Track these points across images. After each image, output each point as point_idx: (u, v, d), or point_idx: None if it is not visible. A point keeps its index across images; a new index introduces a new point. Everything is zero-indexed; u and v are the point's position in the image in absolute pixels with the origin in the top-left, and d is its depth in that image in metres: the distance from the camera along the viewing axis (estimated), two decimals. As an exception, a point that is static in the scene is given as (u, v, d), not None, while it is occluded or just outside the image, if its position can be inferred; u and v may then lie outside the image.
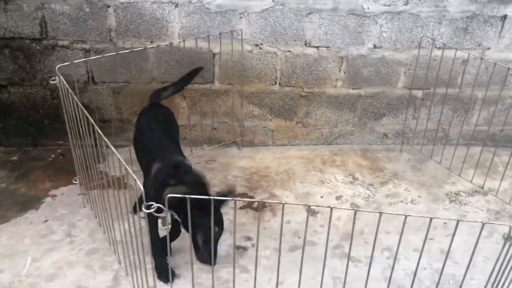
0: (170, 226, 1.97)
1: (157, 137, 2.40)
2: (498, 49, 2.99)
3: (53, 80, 2.31)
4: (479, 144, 3.33)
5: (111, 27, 2.80)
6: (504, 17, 2.89)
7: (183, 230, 2.23)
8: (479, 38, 2.95)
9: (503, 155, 3.17)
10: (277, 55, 2.94)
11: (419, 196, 2.85)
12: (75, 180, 2.71)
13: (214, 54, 2.91)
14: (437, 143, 3.27)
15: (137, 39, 2.84)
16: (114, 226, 2.41)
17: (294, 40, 2.90)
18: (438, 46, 2.91)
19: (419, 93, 3.13)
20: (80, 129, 2.21)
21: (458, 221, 1.46)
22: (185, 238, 2.43)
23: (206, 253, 2.11)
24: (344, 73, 3.03)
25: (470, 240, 1.67)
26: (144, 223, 1.90)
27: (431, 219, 1.55)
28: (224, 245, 2.45)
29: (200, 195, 1.66)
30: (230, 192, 2.38)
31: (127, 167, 1.73)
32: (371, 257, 1.67)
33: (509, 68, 2.52)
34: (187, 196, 1.54)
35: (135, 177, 1.66)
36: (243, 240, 2.48)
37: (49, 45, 2.84)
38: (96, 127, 1.85)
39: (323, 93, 3.10)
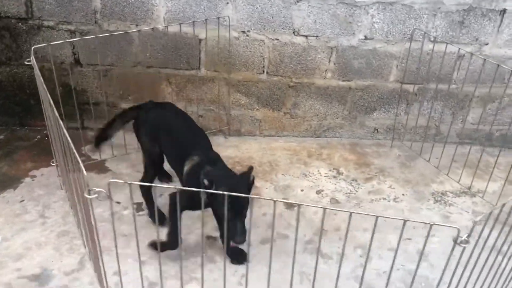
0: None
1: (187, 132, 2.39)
2: (496, 45, 2.86)
3: (28, 61, 2.29)
4: (474, 143, 3.22)
5: (96, 9, 2.77)
6: (503, 11, 2.75)
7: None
8: (476, 33, 2.82)
9: (499, 156, 3.05)
10: (264, 43, 2.86)
11: (403, 194, 2.76)
12: (53, 162, 2.72)
13: (200, 40, 2.85)
14: (430, 140, 3.16)
15: (122, 22, 2.80)
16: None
17: (282, 28, 2.82)
18: (431, 39, 2.79)
19: (411, 88, 3.02)
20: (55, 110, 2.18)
21: (405, 221, 1.38)
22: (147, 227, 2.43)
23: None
24: (334, 64, 2.94)
25: (449, 243, 1.60)
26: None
27: (404, 221, 1.48)
28: (194, 234, 2.42)
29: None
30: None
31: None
32: (342, 255, 1.61)
33: (498, 65, 2.39)
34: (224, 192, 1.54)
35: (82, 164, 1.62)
36: (215, 230, 2.44)
37: (35, 25, 2.82)
38: (54, 110, 1.81)
39: (312, 84, 3.01)
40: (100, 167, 2.89)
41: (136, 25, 2.80)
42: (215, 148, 2.96)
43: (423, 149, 3.08)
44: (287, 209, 2.58)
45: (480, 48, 2.87)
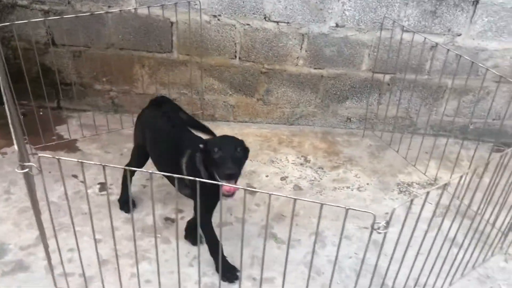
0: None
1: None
2: (469, 36, 2.82)
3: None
4: (449, 135, 3.19)
5: (69, -11, 2.79)
6: (476, 1, 2.70)
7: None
8: (449, 23, 2.79)
9: (472, 148, 3.02)
10: (235, 28, 2.86)
11: (367, 184, 2.76)
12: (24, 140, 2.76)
13: (171, 23, 2.86)
14: (404, 131, 3.14)
15: (94, 3, 2.82)
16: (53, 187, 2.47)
17: (253, 13, 2.81)
18: (403, 29, 2.75)
19: (385, 78, 2.99)
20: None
21: (322, 204, 1.39)
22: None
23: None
24: (306, 51, 2.92)
25: (406, 233, 1.62)
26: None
27: (322, 205, 1.48)
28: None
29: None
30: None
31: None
32: (289, 240, 1.62)
33: (472, 62, 2.35)
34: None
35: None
36: (173, 213, 2.47)
37: (9, 4, 2.85)
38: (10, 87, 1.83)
39: (284, 71, 3.01)
40: (70, 147, 2.93)
41: (108, 6, 2.82)
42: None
43: (395, 140, 3.06)
44: (248, 194, 2.60)
45: (453, 39, 2.83)
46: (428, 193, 1.55)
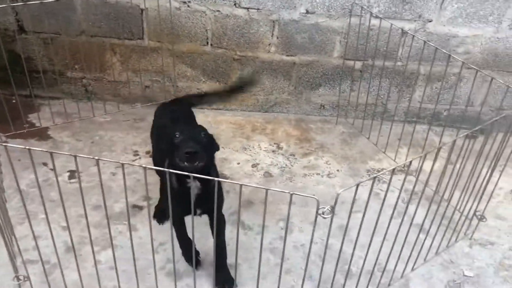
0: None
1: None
2: (440, 22, 2.82)
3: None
4: (422, 122, 3.21)
5: (36, -25, 2.75)
6: (446, -13, 2.70)
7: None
8: (419, 9, 2.78)
9: (445, 135, 3.03)
10: (206, 14, 2.84)
11: (338, 170, 2.77)
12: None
13: (141, 10, 2.84)
14: (377, 118, 3.15)
15: (62, -11, 2.78)
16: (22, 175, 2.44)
17: (223, 0, 2.79)
18: (372, 15, 2.75)
19: (357, 65, 2.99)
20: None
21: (266, 190, 1.40)
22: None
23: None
24: (277, 38, 2.91)
25: (375, 219, 1.63)
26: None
27: (266, 190, 1.49)
28: (121, 203, 2.45)
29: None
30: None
31: None
32: (263, 227, 1.63)
33: (436, 48, 2.35)
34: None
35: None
36: (142, 200, 2.47)
37: (-26, -10, 2.81)
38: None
39: (256, 58, 2.99)
40: (42, 134, 2.91)
41: (77, -8, 2.79)
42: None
43: (367, 127, 3.07)
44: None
45: (424, 25, 2.83)
46: (391, 177, 1.56)
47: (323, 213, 1.37)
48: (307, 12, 2.81)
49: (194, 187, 1.75)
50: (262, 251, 2.22)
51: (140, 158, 2.77)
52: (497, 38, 2.87)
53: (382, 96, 3.10)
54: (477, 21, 2.80)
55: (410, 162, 1.63)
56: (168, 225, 2.25)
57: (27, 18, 2.88)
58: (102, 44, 2.97)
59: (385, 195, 1.67)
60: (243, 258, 2.16)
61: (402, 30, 2.57)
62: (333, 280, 1.81)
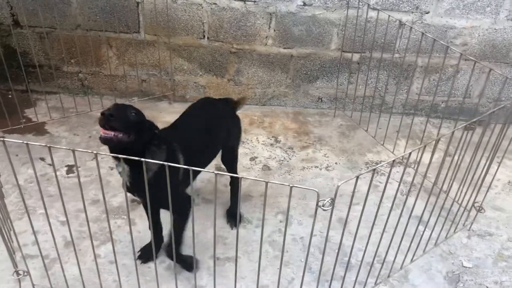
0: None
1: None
2: (437, 14, 2.81)
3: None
4: (420, 114, 3.21)
5: (30, -32, 2.72)
6: (443, -22, 2.70)
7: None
8: (416, 1, 2.77)
9: (443, 127, 3.04)
10: (202, 7, 2.82)
11: (336, 163, 2.77)
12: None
13: (137, 3, 2.81)
14: (375, 110, 3.14)
15: (57, -17, 2.76)
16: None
17: (220, -8, 2.78)
18: (370, 7, 2.74)
19: (355, 57, 2.98)
20: None
21: (266, 183, 1.39)
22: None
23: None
24: (274, 30, 2.90)
25: (374, 211, 1.62)
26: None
27: (266, 183, 1.48)
28: (119, 197, 2.45)
29: None
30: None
31: None
32: (263, 220, 1.63)
33: (435, 40, 2.34)
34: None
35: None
36: (140, 194, 2.46)
37: (-31, -16, 2.78)
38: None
39: (253, 51, 2.98)
40: (39, 129, 2.90)
41: (72, -15, 2.76)
42: (156, 114, 2.97)
43: (364, 119, 3.07)
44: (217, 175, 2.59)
45: (421, 17, 2.82)
46: (390, 170, 1.56)
47: (323, 206, 1.37)
48: (304, 4, 2.79)
49: (123, 171, 1.67)
50: (259, 243, 2.24)
51: (138, 152, 2.76)
52: (495, 29, 2.87)
53: (379, 88, 3.10)
54: (475, 12, 2.79)
55: (409, 154, 1.63)
56: (168, 220, 2.25)
57: (22, 12, 2.85)
58: (98, 38, 2.95)
59: (385, 188, 1.67)
60: (243, 250, 2.16)
61: (400, 21, 2.56)
62: (333, 272, 1.81)
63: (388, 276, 2.06)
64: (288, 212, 1.44)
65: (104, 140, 1.56)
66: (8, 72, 2.72)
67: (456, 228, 2.32)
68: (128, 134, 1.57)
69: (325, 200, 1.38)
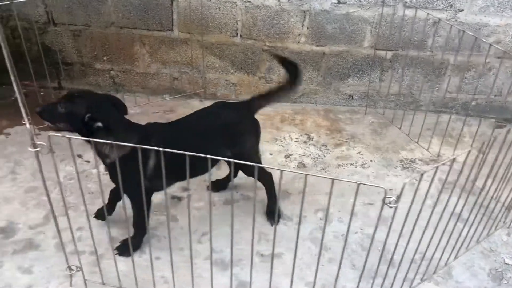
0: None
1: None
2: (471, 12, 2.81)
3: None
4: (451, 112, 3.21)
5: (67, -34, 2.74)
6: (479, -24, 2.70)
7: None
8: (451, -1, 2.78)
9: (474, 125, 3.04)
10: (236, 5, 2.83)
11: (371, 160, 2.78)
12: (24, 121, 2.73)
13: (172, 1, 2.83)
14: (406, 108, 3.15)
15: (93, -19, 2.78)
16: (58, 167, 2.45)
17: (255, -10, 2.79)
18: (405, 4, 2.74)
19: (386, 54, 2.99)
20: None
21: (333, 180, 1.41)
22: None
23: None
24: (308, 28, 2.91)
25: (414, 209, 1.63)
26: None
27: (333, 180, 1.50)
28: (160, 193, 2.46)
29: None
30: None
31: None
32: (300, 216, 1.64)
33: (464, 31, 2.35)
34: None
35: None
36: (180, 191, 2.48)
37: (6, -18, 2.80)
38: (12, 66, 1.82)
39: (285, 48, 2.99)
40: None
41: (108, -17, 2.78)
42: (188, 111, 2.96)
43: (397, 117, 3.08)
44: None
45: (455, 15, 2.83)
46: (437, 168, 1.57)
47: (389, 203, 1.38)
48: (339, 2, 2.80)
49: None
50: (303, 241, 2.26)
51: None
52: (529, 27, 2.87)
53: (411, 86, 3.11)
54: (510, 10, 2.79)
55: (454, 159, 1.64)
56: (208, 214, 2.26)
57: (57, 10, 2.87)
58: (131, 35, 2.96)
59: (428, 190, 1.67)
60: (286, 247, 2.17)
61: (439, 19, 2.57)
62: (377, 269, 1.81)
63: (434, 273, 2.07)
64: (353, 209, 1.46)
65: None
66: (42, 70, 2.74)
67: (496, 226, 2.33)
68: (55, 124, 1.91)
69: (390, 197, 1.40)
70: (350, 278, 2.08)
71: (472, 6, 2.79)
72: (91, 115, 1.82)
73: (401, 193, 1.41)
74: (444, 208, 1.85)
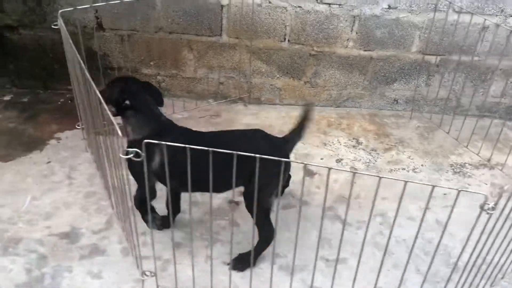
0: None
1: None
2: (522, 17, 2.83)
3: (55, 25, 2.32)
4: (494, 116, 3.22)
5: (119, -27, 2.76)
6: (532, -19, 2.71)
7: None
8: (502, 4, 2.78)
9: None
10: (287, 10, 2.85)
11: (422, 165, 2.79)
12: (78, 125, 2.76)
13: (222, 6, 2.84)
14: (450, 112, 3.16)
15: (144, -13, 2.80)
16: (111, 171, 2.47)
17: (306, -4, 2.80)
18: (456, 9, 2.75)
19: (433, 59, 3.00)
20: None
21: (433, 186, 1.42)
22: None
23: None
24: (356, 33, 2.92)
25: (468, 213, 1.63)
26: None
27: (433, 187, 1.51)
28: (217, 198, 2.48)
29: None
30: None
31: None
32: (369, 221, 1.65)
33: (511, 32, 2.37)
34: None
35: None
36: (238, 195, 2.49)
37: (57, -13, 2.83)
38: (86, 73, 1.84)
39: (333, 53, 3.01)
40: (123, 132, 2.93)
41: (159, -11, 2.80)
42: (234, 116, 2.99)
43: (443, 121, 3.09)
44: (307, 177, 2.62)
45: (505, 20, 2.83)
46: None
47: (488, 209, 1.39)
48: (389, 7, 2.81)
49: None
50: (365, 246, 2.25)
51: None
52: None
53: (456, 91, 3.11)
54: (561, 15, 2.81)
55: None
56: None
57: (107, 16, 2.89)
58: (179, 40, 2.98)
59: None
60: (350, 252, 2.18)
61: (497, 25, 2.58)
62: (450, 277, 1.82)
63: (502, 278, 2.07)
64: (424, 211, 1.46)
65: None
66: (101, 74, 2.76)
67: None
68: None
69: (489, 204, 1.40)
70: (416, 282, 2.09)
71: (523, 11, 2.81)
72: (123, 94, 1.97)
73: (498, 200, 1.42)
74: (501, 212, 1.84)
